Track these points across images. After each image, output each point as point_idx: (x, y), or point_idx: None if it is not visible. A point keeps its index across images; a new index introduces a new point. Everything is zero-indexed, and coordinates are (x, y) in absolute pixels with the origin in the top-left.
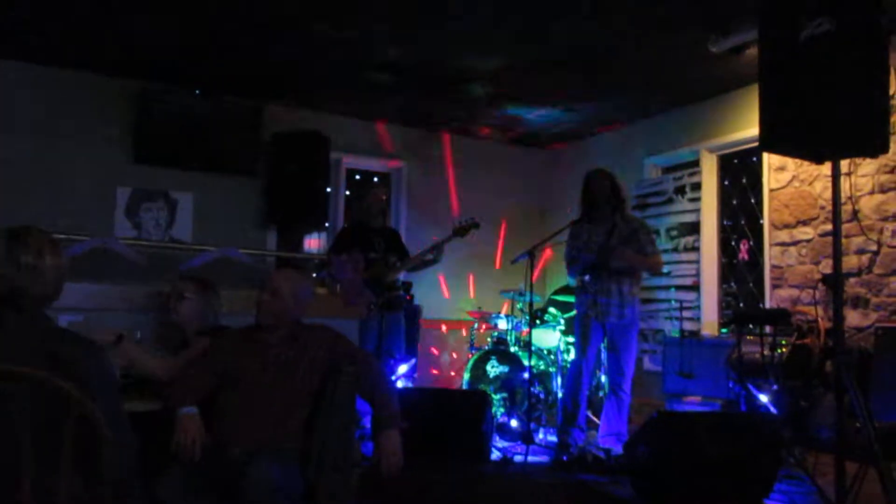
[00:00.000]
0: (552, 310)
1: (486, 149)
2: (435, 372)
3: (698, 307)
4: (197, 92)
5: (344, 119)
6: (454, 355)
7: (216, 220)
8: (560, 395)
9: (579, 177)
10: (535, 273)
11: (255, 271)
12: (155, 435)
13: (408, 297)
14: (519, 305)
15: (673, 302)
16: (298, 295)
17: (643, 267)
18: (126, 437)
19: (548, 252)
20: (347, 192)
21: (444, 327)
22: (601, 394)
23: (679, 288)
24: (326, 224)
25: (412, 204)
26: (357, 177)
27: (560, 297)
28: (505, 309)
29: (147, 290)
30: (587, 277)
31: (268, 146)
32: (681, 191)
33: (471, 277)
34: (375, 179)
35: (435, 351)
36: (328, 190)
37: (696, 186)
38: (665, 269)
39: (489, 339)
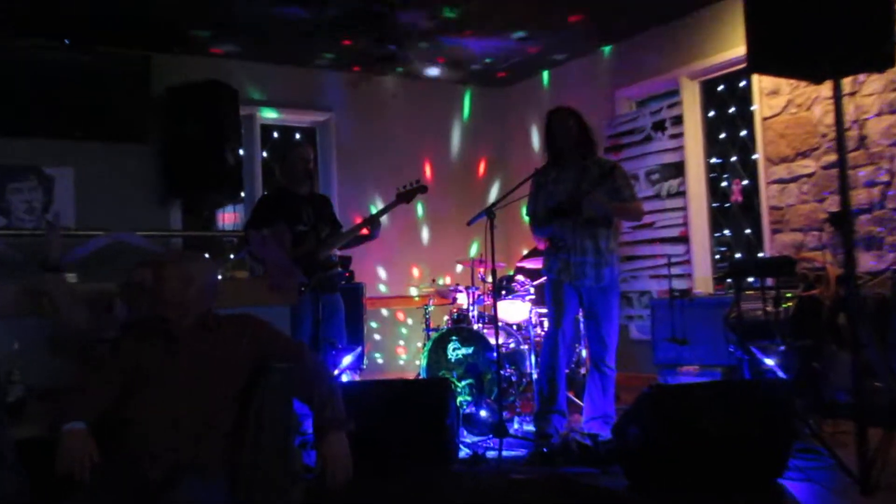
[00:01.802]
0: (520, 278)
1: (430, 92)
2: (385, 360)
3: (688, 262)
4: (66, 41)
5: (254, 66)
6: (406, 339)
7: (104, 198)
8: (535, 376)
9: (540, 118)
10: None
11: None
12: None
13: (346, 275)
14: (480, 275)
15: (659, 258)
16: (188, 282)
17: (622, 215)
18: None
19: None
20: (265, 154)
21: (392, 307)
22: (583, 371)
23: (665, 241)
24: (242, 194)
25: (344, 163)
26: (275, 135)
27: (529, 263)
28: (464, 281)
29: (20, 290)
30: (555, 232)
31: (161, 104)
32: (660, 126)
33: (420, 246)
34: (297, 136)
35: (384, 336)
36: (241, 153)
37: (678, 120)
38: (647, 218)
39: (447, 318)
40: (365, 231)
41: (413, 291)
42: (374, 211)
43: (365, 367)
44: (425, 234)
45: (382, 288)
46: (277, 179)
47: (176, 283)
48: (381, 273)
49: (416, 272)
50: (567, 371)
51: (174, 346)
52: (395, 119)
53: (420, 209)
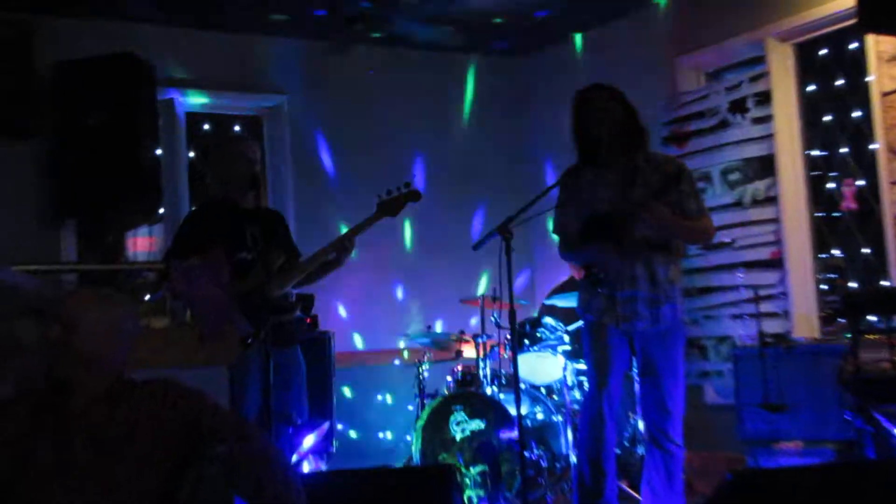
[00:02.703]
0: (549, 320)
1: (420, 65)
2: (363, 440)
3: (784, 295)
4: None
5: (176, 33)
6: (392, 410)
7: None
8: (573, 459)
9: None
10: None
11: (45, 299)
12: None
13: (308, 321)
14: (494, 318)
15: (742, 290)
16: (113, 330)
17: (686, 235)
18: None
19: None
20: (192, 155)
21: (372, 364)
22: (639, 450)
23: (750, 266)
24: (160, 210)
25: (302, 165)
26: (206, 127)
27: (561, 300)
28: (471, 326)
29: None
30: (594, 258)
31: (48, 86)
32: (739, 107)
33: (410, 279)
34: (237, 129)
35: (360, 406)
36: (158, 152)
37: (764, 98)
38: (727, 236)
39: (449, 378)
40: (331, 256)
41: (401, 343)
42: (344, 230)
43: (334, 450)
44: (417, 261)
45: (358, 339)
46: (210, 189)
47: (99, 332)
48: (356, 318)
49: (404, 316)
50: (617, 451)
51: (69, 429)
52: (373, 103)
53: (408, 227)
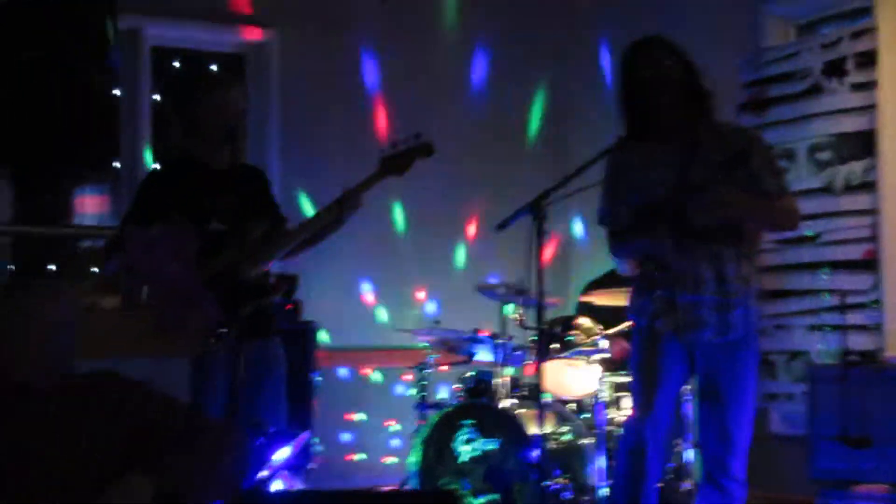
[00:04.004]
0: (584, 321)
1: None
2: (351, 456)
3: (877, 303)
4: None
5: None
6: (389, 420)
7: None
8: (605, 491)
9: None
10: (547, 251)
11: None
12: None
13: (288, 308)
14: (514, 313)
15: (826, 296)
16: (46, 319)
17: (761, 219)
18: None
19: (573, 205)
20: (157, 97)
21: (363, 364)
22: (686, 486)
23: (837, 266)
24: (116, 164)
25: (292, 115)
26: (175, 64)
27: (600, 300)
28: (488, 324)
29: None
30: (647, 250)
31: None
32: (836, 69)
33: (413, 262)
34: (213, 68)
35: (347, 413)
36: (116, 93)
37: (868, 59)
38: (806, 228)
39: (457, 387)
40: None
41: (402, 341)
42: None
43: (314, 466)
44: (422, 240)
45: (351, 330)
46: (178, 142)
47: (46, 330)
48: (346, 306)
49: (408, 307)
50: (659, 485)
51: (17, 429)
52: (381, 40)
53: (411, 200)
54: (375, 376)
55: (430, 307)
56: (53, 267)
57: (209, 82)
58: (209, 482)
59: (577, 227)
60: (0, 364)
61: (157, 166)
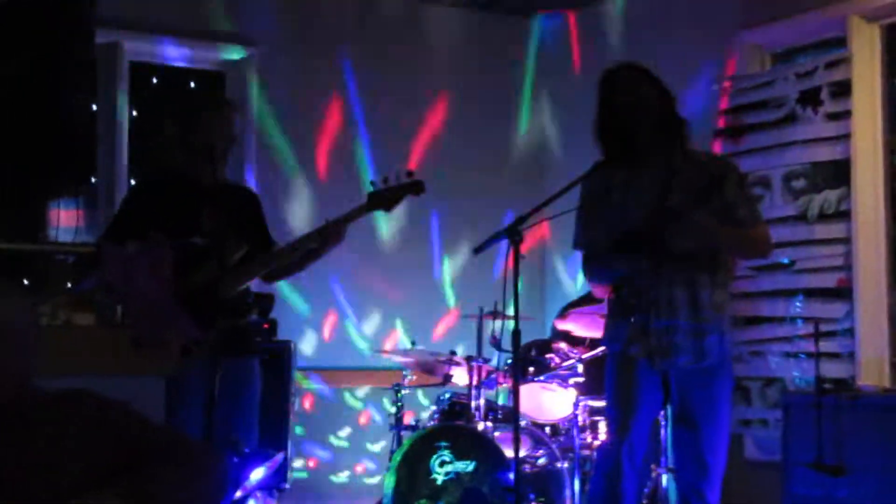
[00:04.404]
0: (561, 346)
1: (427, 22)
2: (324, 477)
3: (850, 332)
4: None
5: None
6: (365, 441)
7: None
8: None
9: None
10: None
11: None
12: None
13: (265, 326)
14: (493, 338)
15: (799, 323)
16: (15, 330)
17: (737, 248)
18: None
19: (545, 229)
20: (135, 114)
21: (339, 385)
22: None
23: (811, 294)
24: (92, 180)
25: (269, 136)
26: (154, 80)
27: (575, 322)
28: (464, 346)
29: None
30: (623, 275)
31: None
32: (812, 99)
33: (391, 283)
34: (192, 85)
35: (323, 434)
36: (93, 108)
37: (843, 89)
38: (783, 255)
39: (433, 409)
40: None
41: (378, 362)
42: (316, 223)
43: (289, 486)
44: (399, 261)
45: (326, 352)
46: (168, 158)
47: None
48: (322, 326)
49: (384, 329)
50: None
51: None
52: (360, 58)
53: (392, 221)
54: (351, 397)
55: (406, 329)
56: (26, 282)
57: (222, 103)
58: (187, 503)
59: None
60: None
61: (140, 181)
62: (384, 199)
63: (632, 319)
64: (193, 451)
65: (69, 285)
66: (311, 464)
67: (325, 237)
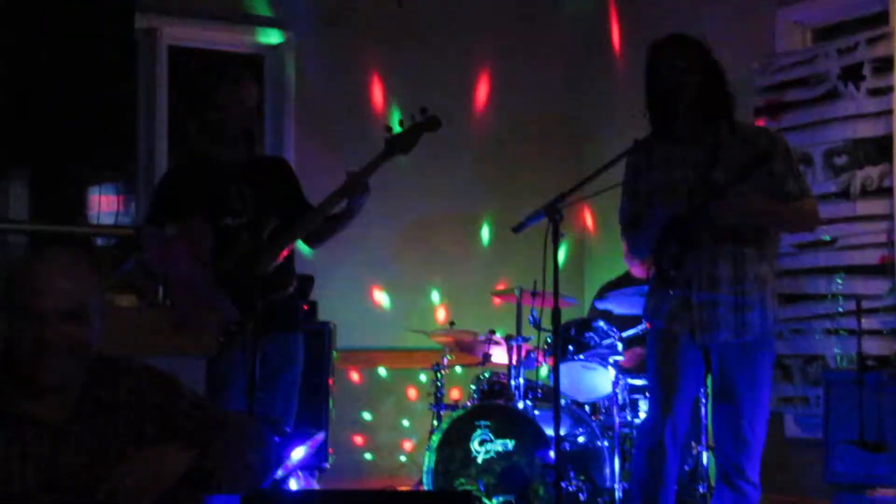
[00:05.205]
0: (601, 324)
1: (453, 6)
2: (367, 456)
3: (893, 309)
4: None
5: None
6: (404, 421)
7: None
8: (619, 493)
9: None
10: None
11: None
12: None
13: (305, 308)
14: (533, 318)
15: (840, 300)
16: (94, 303)
17: (782, 222)
18: None
19: (586, 210)
20: (173, 96)
21: (379, 365)
22: (701, 490)
23: (853, 271)
24: (133, 163)
25: (309, 117)
26: (193, 66)
27: (614, 302)
28: (503, 326)
29: None
30: (669, 252)
31: None
32: (854, 75)
33: (429, 262)
34: (230, 68)
35: (363, 414)
36: (133, 94)
37: (885, 65)
38: (823, 232)
39: (474, 388)
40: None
41: (419, 342)
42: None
43: (329, 465)
44: (437, 239)
45: (361, 334)
46: (192, 140)
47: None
48: (361, 307)
49: (424, 309)
50: (676, 487)
51: (27, 444)
52: (395, 41)
53: (423, 192)
54: (391, 377)
55: (446, 308)
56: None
57: (220, 80)
58: (242, 471)
59: (592, 229)
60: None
61: (172, 166)
62: (402, 141)
63: (672, 293)
64: (245, 425)
65: (111, 269)
66: (350, 444)
67: (352, 191)
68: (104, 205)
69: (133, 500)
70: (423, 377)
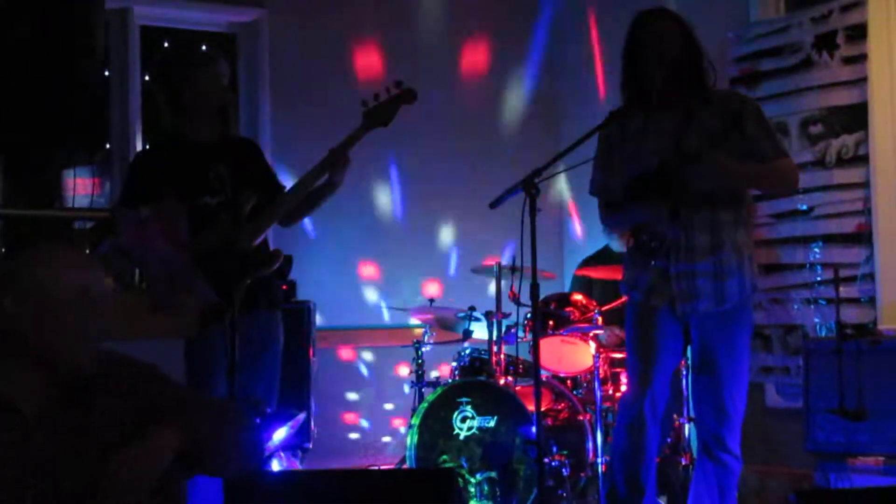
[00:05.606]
0: (579, 297)
1: None
2: (346, 435)
3: (871, 277)
4: None
5: None
6: (386, 400)
7: None
8: (603, 467)
9: (621, 30)
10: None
11: None
12: None
13: (284, 287)
14: (512, 293)
15: (819, 269)
16: (95, 295)
17: (759, 182)
18: None
19: (568, 180)
20: (147, 78)
21: (359, 345)
22: (683, 461)
23: (830, 240)
24: (106, 146)
25: (283, 92)
26: (166, 44)
27: (594, 275)
28: (482, 302)
29: None
30: (642, 220)
31: None
32: (827, 43)
33: (407, 239)
34: (204, 48)
35: (344, 393)
36: (106, 74)
37: (858, 33)
38: (802, 202)
39: (454, 366)
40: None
41: (398, 319)
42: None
43: (311, 446)
44: (415, 216)
45: (345, 310)
46: (164, 120)
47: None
48: (340, 286)
49: (404, 286)
50: (658, 459)
51: (21, 440)
52: (371, 19)
53: (401, 171)
54: (371, 356)
55: (426, 285)
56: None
57: (197, 58)
58: (231, 452)
59: (570, 203)
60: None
61: (145, 147)
62: (380, 114)
63: (653, 263)
64: (230, 410)
65: (87, 251)
66: (334, 423)
67: (332, 165)
68: (79, 188)
69: (129, 491)
70: (404, 355)
